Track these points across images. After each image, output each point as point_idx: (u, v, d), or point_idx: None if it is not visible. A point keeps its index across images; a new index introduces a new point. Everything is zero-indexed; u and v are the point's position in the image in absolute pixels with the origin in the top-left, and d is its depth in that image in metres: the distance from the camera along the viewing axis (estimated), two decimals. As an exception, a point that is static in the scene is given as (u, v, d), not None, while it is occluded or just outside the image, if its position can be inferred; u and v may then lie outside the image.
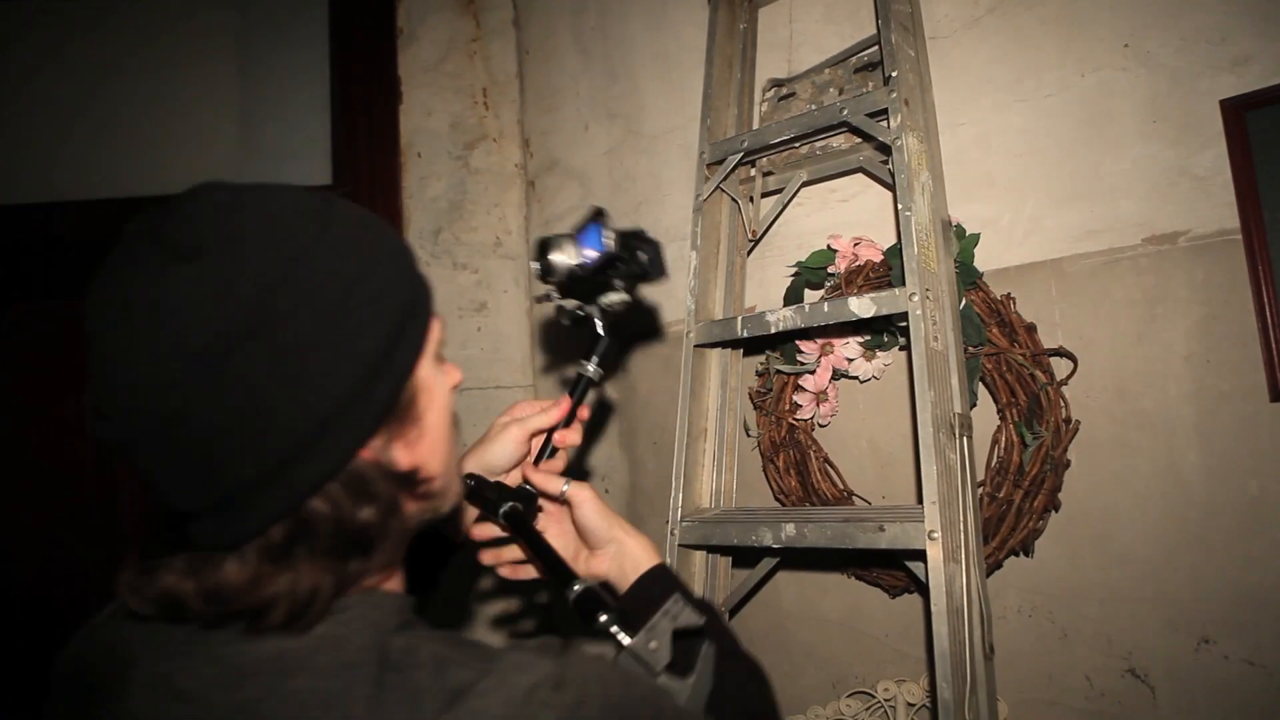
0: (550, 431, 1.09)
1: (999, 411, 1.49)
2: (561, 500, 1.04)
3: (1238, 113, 1.35)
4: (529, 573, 1.08)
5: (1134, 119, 1.45)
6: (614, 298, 1.10)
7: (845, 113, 1.51)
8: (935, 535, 1.23)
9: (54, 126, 2.60)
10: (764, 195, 1.81)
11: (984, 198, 1.59)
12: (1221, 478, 1.35)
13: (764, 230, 1.81)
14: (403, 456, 0.67)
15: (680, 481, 1.60)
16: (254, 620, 0.61)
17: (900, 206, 1.41)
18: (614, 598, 1.00)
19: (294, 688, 0.58)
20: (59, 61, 2.62)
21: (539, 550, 0.98)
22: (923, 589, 1.41)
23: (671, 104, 2.10)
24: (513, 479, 1.06)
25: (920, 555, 1.26)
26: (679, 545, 1.55)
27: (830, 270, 1.67)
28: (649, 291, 1.96)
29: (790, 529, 1.39)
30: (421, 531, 0.75)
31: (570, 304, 1.11)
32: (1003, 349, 1.47)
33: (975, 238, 1.53)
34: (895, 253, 1.55)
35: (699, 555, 1.62)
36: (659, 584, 0.98)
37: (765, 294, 1.87)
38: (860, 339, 1.63)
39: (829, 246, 1.67)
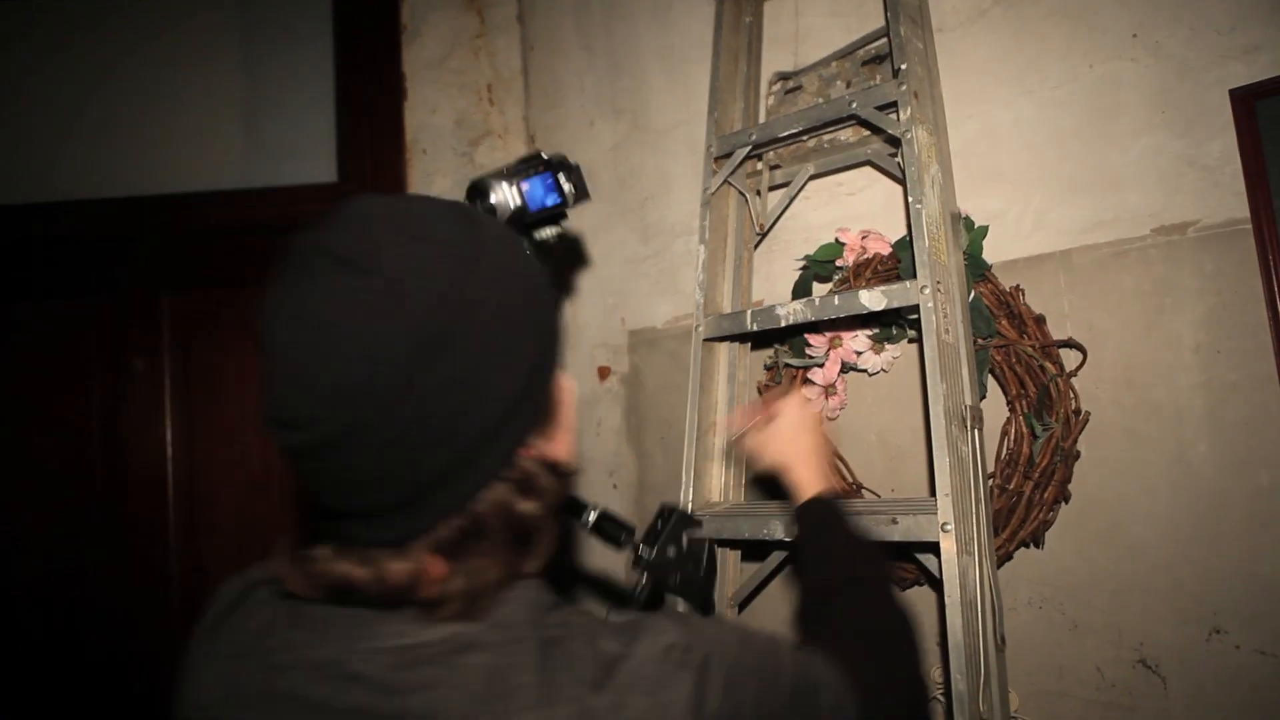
0: None
1: (1009, 403, 1.49)
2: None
3: (1247, 102, 1.35)
4: None
5: (1142, 110, 1.45)
6: (549, 232, 1.12)
7: (854, 106, 1.51)
8: (949, 528, 1.23)
9: (56, 125, 2.59)
10: (771, 189, 1.81)
11: (992, 190, 1.59)
12: (1232, 468, 1.36)
13: (771, 224, 1.81)
14: (548, 451, 0.71)
15: (690, 476, 1.60)
16: (428, 608, 0.65)
17: (910, 199, 1.41)
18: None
19: (466, 664, 0.62)
20: (61, 60, 2.62)
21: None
22: (934, 581, 1.42)
23: (676, 99, 2.10)
24: None
25: (933, 548, 1.26)
26: (689, 539, 1.55)
27: (838, 263, 1.67)
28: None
29: (801, 522, 1.39)
30: None
31: None
32: (1012, 341, 1.47)
33: (984, 230, 1.53)
34: (904, 245, 1.56)
35: (709, 549, 1.62)
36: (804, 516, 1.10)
37: (773, 288, 1.87)
38: (869, 332, 1.63)
39: (837, 240, 1.68)
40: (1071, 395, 1.45)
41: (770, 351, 1.79)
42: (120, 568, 2.35)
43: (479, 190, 1.06)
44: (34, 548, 2.37)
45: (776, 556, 1.58)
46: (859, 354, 1.64)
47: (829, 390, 1.69)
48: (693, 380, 1.64)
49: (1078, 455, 1.46)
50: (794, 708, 0.69)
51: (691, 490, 1.59)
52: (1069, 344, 1.47)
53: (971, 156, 1.62)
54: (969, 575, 1.26)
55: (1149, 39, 1.45)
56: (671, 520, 1.09)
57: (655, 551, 1.06)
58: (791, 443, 1.16)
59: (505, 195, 1.06)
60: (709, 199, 1.72)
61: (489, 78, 2.43)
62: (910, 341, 1.63)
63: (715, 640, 0.67)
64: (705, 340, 1.66)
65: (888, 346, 1.64)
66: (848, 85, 1.70)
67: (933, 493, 1.27)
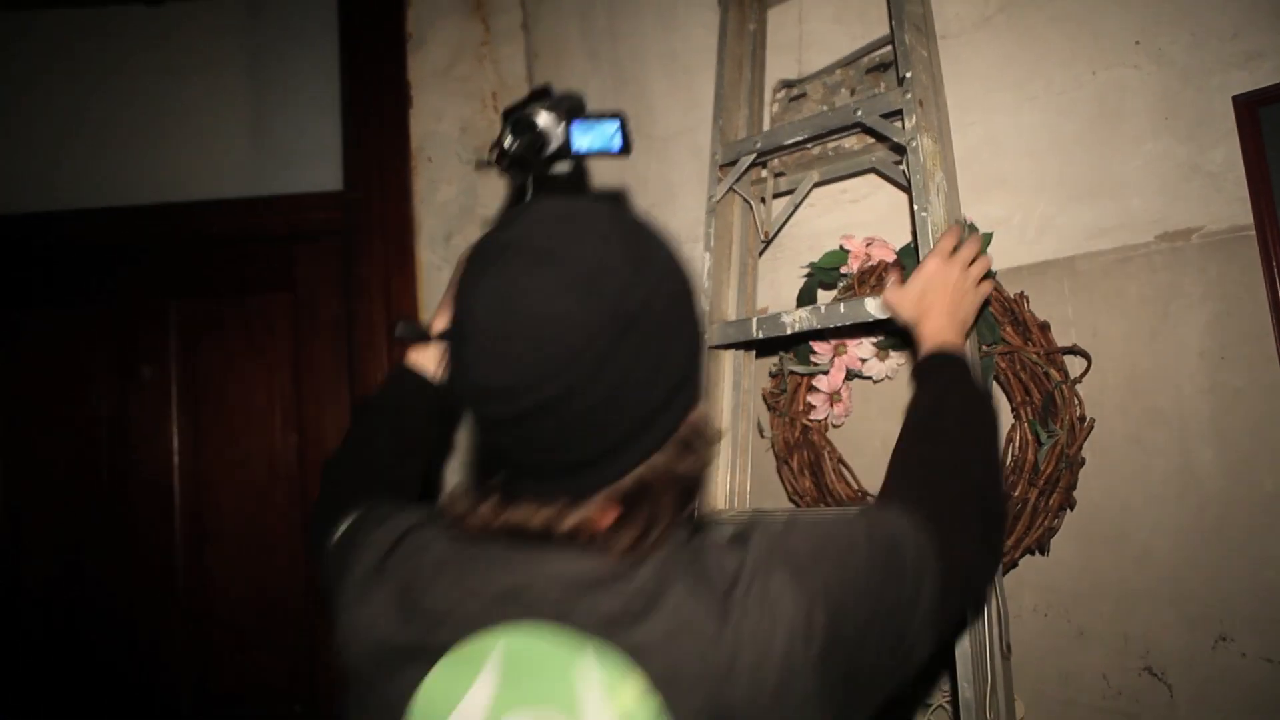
0: None
1: (1013, 410, 1.49)
2: None
3: (1250, 109, 1.35)
4: None
5: (1146, 116, 1.45)
6: (565, 166, 1.20)
7: (859, 114, 1.52)
8: (952, 534, 1.23)
9: (61, 134, 2.61)
10: (775, 196, 1.82)
11: (996, 197, 1.60)
12: (1237, 474, 1.35)
13: (776, 231, 1.82)
14: (698, 418, 0.81)
15: (695, 482, 1.60)
16: (599, 546, 0.75)
17: (916, 207, 1.42)
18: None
19: (629, 590, 0.74)
20: (67, 68, 2.64)
21: None
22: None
23: (680, 106, 2.10)
24: None
25: (937, 554, 1.26)
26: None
27: (843, 270, 1.68)
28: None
29: (806, 529, 1.39)
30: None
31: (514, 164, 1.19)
32: (1016, 347, 1.47)
33: (988, 237, 1.53)
34: (909, 252, 1.56)
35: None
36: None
37: (777, 295, 1.88)
38: (873, 339, 1.64)
39: (841, 247, 1.68)
40: (1076, 402, 1.45)
41: (775, 359, 1.79)
42: (123, 571, 2.36)
43: (525, 124, 1.15)
44: (39, 552, 2.38)
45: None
46: (864, 361, 1.65)
47: (834, 397, 1.69)
48: (697, 387, 1.65)
49: (1083, 462, 1.46)
50: (879, 569, 0.77)
51: (698, 498, 1.59)
52: (1073, 351, 1.48)
53: (975, 163, 1.62)
54: (974, 582, 1.26)
55: (1151, 45, 1.45)
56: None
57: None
58: (921, 298, 1.20)
59: (551, 129, 1.15)
60: (714, 206, 1.72)
61: (494, 85, 2.44)
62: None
63: (804, 521, 0.79)
64: (711, 348, 1.66)
65: (892, 353, 1.64)
66: (851, 93, 1.71)
67: (937, 500, 1.27)
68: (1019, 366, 1.47)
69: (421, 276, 2.36)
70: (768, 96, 1.87)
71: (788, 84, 1.84)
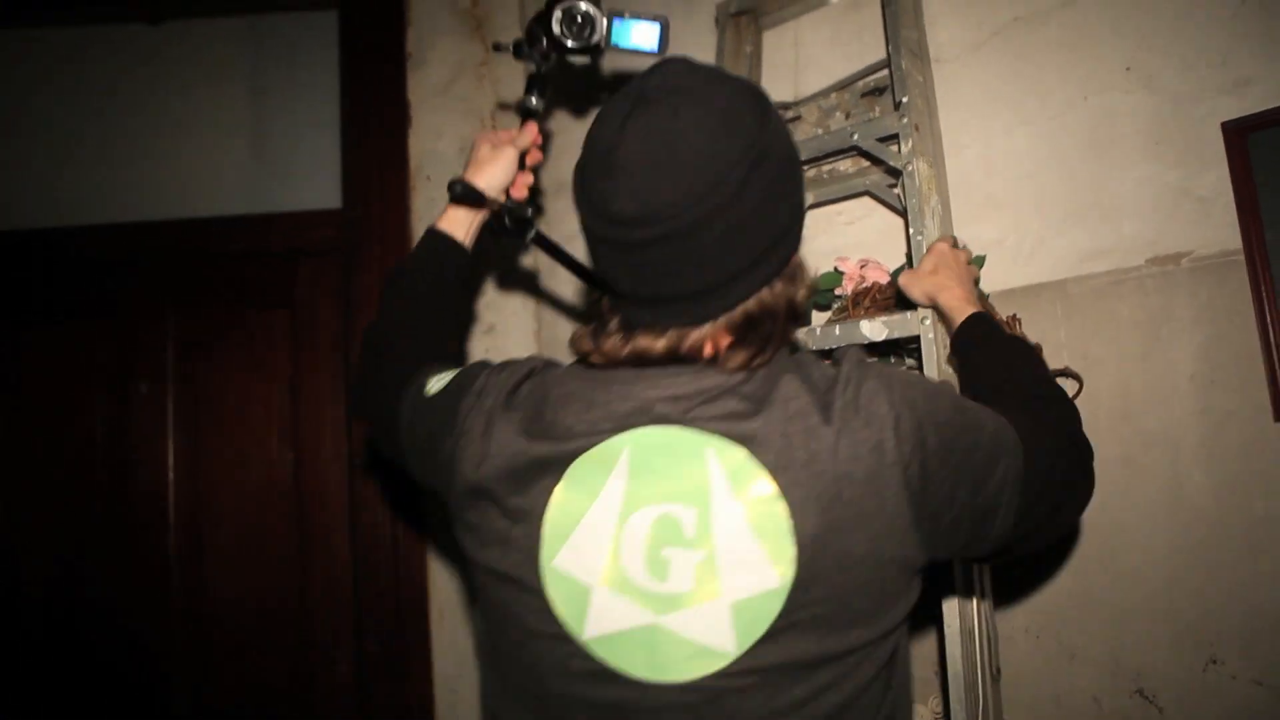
0: (524, 154, 1.32)
1: (1006, 431, 1.50)
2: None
3: (1240, 135, 1.37)
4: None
5: (1137, 141, 1.47)
6: (580, 58, 1.37)
7: (856, 137, 1.53)
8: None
9: (64, 151, 2.63)
10: (770, 217, 1.83)
11: (989, 219, 1.61)
12: (1227, 497, 1.36)
13: (771, 251, 1.83)
14: (798, 257, 0.90)
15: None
16: (716, 365, 0.85)
17: (911, 231, 1.43)
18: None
19: (747, 388, 0.84)
20: (68, 84, 2.65)
21: (563, 259, 1.32)
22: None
23: (678, 126, 2.11)
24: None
25: (929, 576, 1.27)
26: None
27: (837, 292, 1.69)
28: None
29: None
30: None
31: (535, 52, 1.34)
32: (1009, 369, 1.48)
33: (981, 259, 1.54)
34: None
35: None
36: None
37: (772, 314, 1.89)
38: (867, 359, 1.64)
39: (836, 269, 1.69)
40: (1068, 424, 1.46)
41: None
42: (121, 581, 2.36)
43: (574, 10, 1.31)
44: (36, 560, 2.38)
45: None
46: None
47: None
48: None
49: (1075, 483, 1.46)
50: (959, 416, 0.86)
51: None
52: (1066, 373, 1.48)
53: (969, 185, 1.63)
54: (967, 605, 1.26)
55: (1142, 71, 1.47)
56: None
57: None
58: (932, 275, 1.27)
59: (597, 18, 1.32)
60: (709, 227, 1.73)
61: (493, 104, 2.46)
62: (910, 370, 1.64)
63: (889, 368, 0.87)
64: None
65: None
66: (847, 116, 1.72)
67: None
68: (1011, 388, 1.48)
69: (419, 293, 2.36)
70: (764, 118, 1.88)
71: (784, 106, 1.85)
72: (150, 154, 2.64)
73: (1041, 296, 1.55)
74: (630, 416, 0.85)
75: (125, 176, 2.62)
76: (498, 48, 1.44)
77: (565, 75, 1.36)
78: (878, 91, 1.71)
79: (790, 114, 1.82)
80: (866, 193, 1.71)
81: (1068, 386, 1.48)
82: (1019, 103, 1.60)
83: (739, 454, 0.80)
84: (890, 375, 0.85)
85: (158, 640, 2.35)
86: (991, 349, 1.15)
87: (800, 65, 1.91)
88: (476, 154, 1.30)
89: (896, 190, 1.61)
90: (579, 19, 1.31)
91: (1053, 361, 1.50)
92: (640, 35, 1.33)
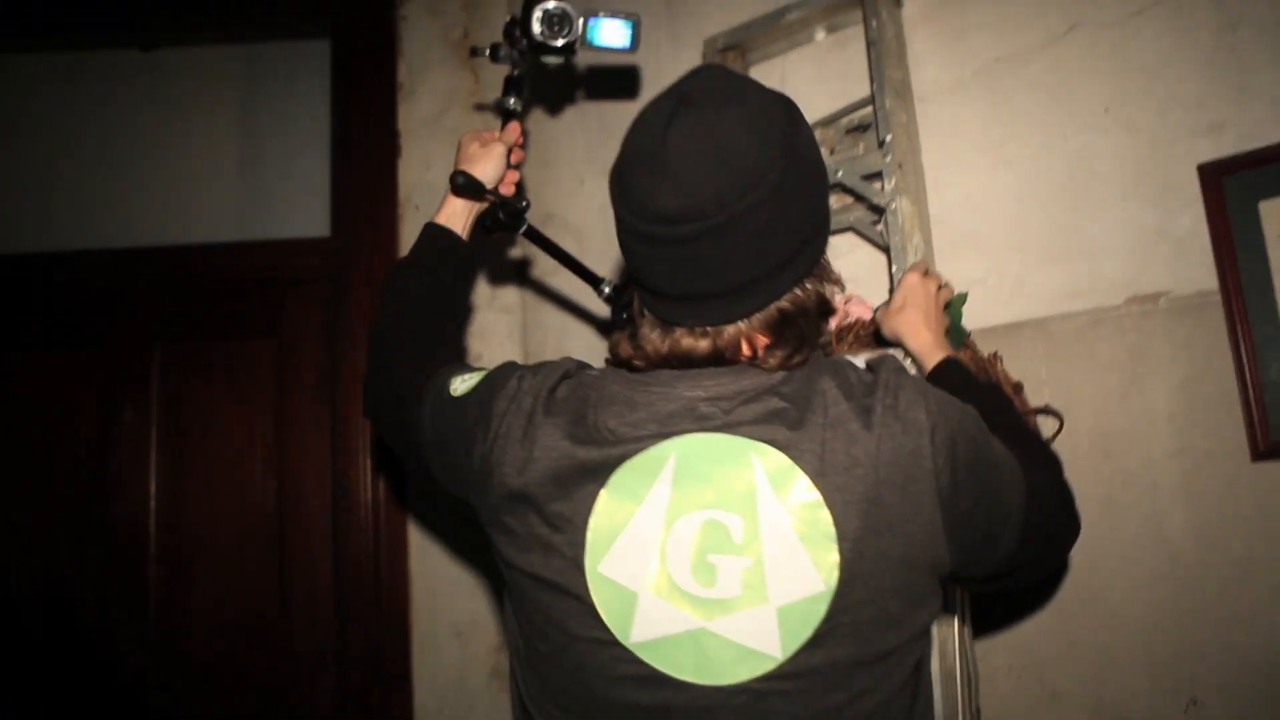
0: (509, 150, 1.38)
1: (987, 469, 1.50)
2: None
3: (1215, 177, 1.39)
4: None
5: (1115, 181, 1.49)
6: (555, 59, 1.43)
7: (840, 174, 1.55)
8: (923, 595, 1.24)
9: (51, 175, 2.64)
10: (755, 251, 1.84)
11: (971, 257, 1.62)
12: (1207, 537, 1.36)
13: (755, 286, 1.83)
14: (826, 258, 0.91)
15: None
16: (754, 364, 0.88)
17: (894, 269, 1.44)
18: None
19: (788, 392, 0.86)
20: (61, 109, 2.67)
21: (559, 255, 1.45)
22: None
23: (665, 160, 2.13)
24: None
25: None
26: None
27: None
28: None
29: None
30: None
31: (512, 52, 1.44)
32: (990, 407, 1.48)
33: (963, 297, 1.55)
34: (883, 311, 1.58)
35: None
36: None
37: (757, 348, 1.89)
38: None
39: (819, 303, 1.70)
40: (1049, 461, 1.46)
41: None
42: (99, 608, 2.34)
43: (553, 11, 1.38)
44: (12, 589, 2.36)
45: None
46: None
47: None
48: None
49: (1056, 521, 1.46)
50: (983, 436, 0.89)
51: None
52: (1047, 411, 1.49)
53: (951, 223, 1.65)
54: (948, 645, 1.26)
55: (1120, 113, 1.49)
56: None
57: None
58: (900, 312, 1.28)
59: (573, 17, 1.39)
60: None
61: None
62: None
63: (923, 382, 0.91)
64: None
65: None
66: (831, 152, 1.74)
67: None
68: (992, 426, 1.48)
69: (407, 322, 2.37)
70: (749, 153, 1.90)
71: (769, 142, 1.87)
72: (141, 180, 2.65)
73: (1022, 334, 1.55)
74: (673, 418, 0.87)
75: (115, 202, 2.63)
76: (475, 52, 1.53)
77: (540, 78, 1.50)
78: (862, 128, 1.73)
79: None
80: (850, 229, 1.73)
81: (1049, 424, 1.49)
82: (1000, 142, 1.61)
83: (782, 460, 0.83)
84: (925, 386, 0.88)
85: (135, 662, 2.32)
86: (967, 399, 1.15)
87: (786, 101, 1.92)
88: (466, 151, 1.34)
89: (879, 227, 1.62)
90: (556, 18, 1.38)
91: (1034, 399, 1.51)
92: (613, 33, 1.41)
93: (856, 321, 1.65)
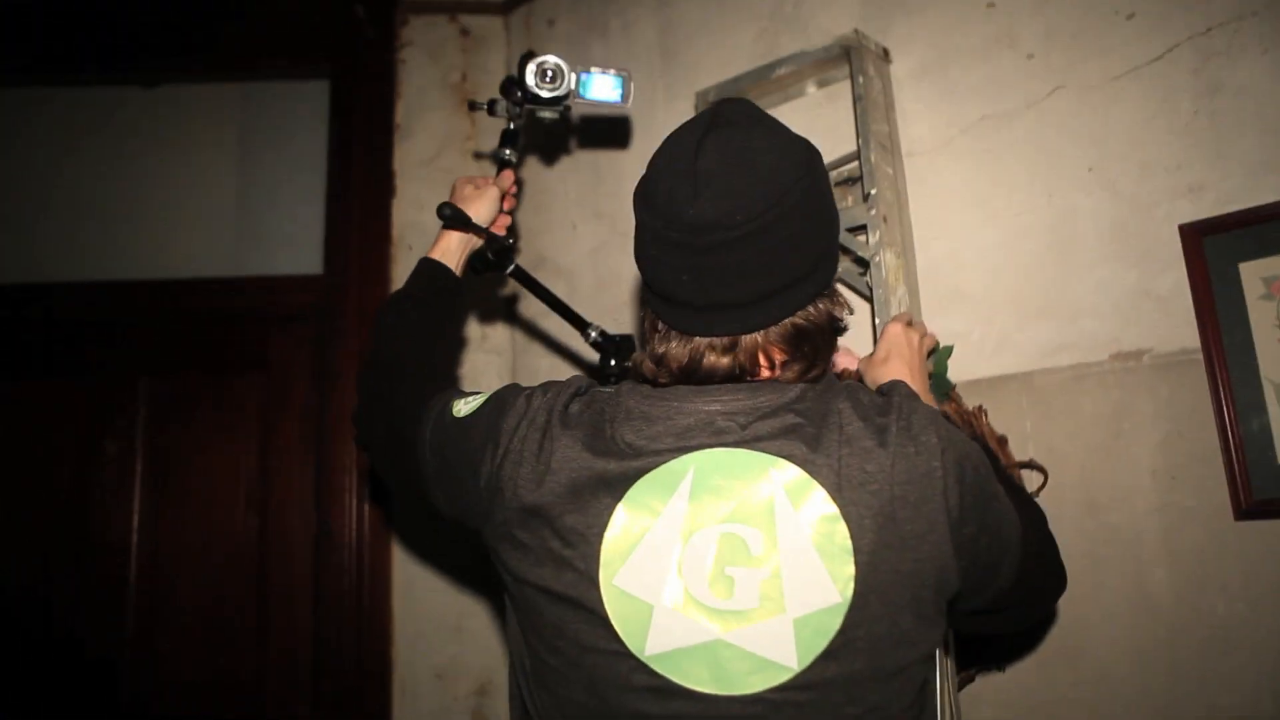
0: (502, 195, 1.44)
1: (971, 522, 1.50)
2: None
3: (1196, 238, 1.41)
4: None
5: (1098, 240, 1.51)
6: (549, 114, 1.51)
7: (825, 227, 1.56)
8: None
9: (44, 207, 2.64)
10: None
11: (957, 311, 1.64)
12: (1189, 595, 1.37)
13: (744, 333, 1.85)
14: (835, 279, 0.96)
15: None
16: (771, 380, 0.91)
17: (878, 321, 1.45)
18: None
19: (804, 409, 0.89)
20: (58, 144, 2.68)
21: (546, 298, 1.51)
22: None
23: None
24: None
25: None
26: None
27: (807, 376, 1.70)
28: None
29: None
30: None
31: (512, 107, 1.51)
32: (974, 460, 1.49)
33: (949, 350, 1.56)
34: (870, 362, 1.59)
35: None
36: None
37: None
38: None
39: (806, 352, 1.71)
40: (1033, 516, 1.47)
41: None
42: (74, 651, 2.30)
43: (548, 65, 1.45)
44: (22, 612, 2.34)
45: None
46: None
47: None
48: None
49: (1039, 576, 1.46)
50: (987, 468, 0.92)
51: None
52: (1031, 465, 1.50)
53: (938, 277, 1.67)
54: (930, 701, 1.25)
55: (1103, 174, 1.52)
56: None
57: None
58: (883, 364, 1.28)
59: (566, 72, 1.46)
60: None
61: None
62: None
63: (927, 404, 0.94)
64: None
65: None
66: (819, 204, 1.76)
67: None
68: (977, 479, 1.49)
69: (396, 361, 2.37)
70: (740, 203, 1.92)
71: (759, 192, 1.89)
72: (137, 214, 2.66)
73: (1008, 388, 1.57)
74: (690, 431, 0.89)
75: (111, 236, 2.64)
76: (474, 106, 1.60)
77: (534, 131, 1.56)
78: (851, 181, 1.75)
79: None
80: (839, 280, 1.74)
81: (1033, 479, 1.49)
82: (986, 198, 1.64)
83: (800, 475, 0.85)
84: (935, 413, 0.91)
85: (111, 701, 2.28)
86: None
87: (777, 153, 1.95)
88: (460, 192, 1.39)
89: (866, 279, 1.64)
90: (550, 72, 1.45)
91: (1019, 453, 1.51)
92: (605, 88, 1.48)
93: (843, 372, 1.65)
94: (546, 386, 0.98)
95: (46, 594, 2.34)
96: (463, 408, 1.01)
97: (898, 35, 1.78)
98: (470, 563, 2.33)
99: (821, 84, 1.88)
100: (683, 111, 2.07)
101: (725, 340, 0.89)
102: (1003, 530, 0.91)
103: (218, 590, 2.35)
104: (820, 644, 0.82)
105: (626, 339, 1.52)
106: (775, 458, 0.86)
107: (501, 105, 1.53)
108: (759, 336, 0.89)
